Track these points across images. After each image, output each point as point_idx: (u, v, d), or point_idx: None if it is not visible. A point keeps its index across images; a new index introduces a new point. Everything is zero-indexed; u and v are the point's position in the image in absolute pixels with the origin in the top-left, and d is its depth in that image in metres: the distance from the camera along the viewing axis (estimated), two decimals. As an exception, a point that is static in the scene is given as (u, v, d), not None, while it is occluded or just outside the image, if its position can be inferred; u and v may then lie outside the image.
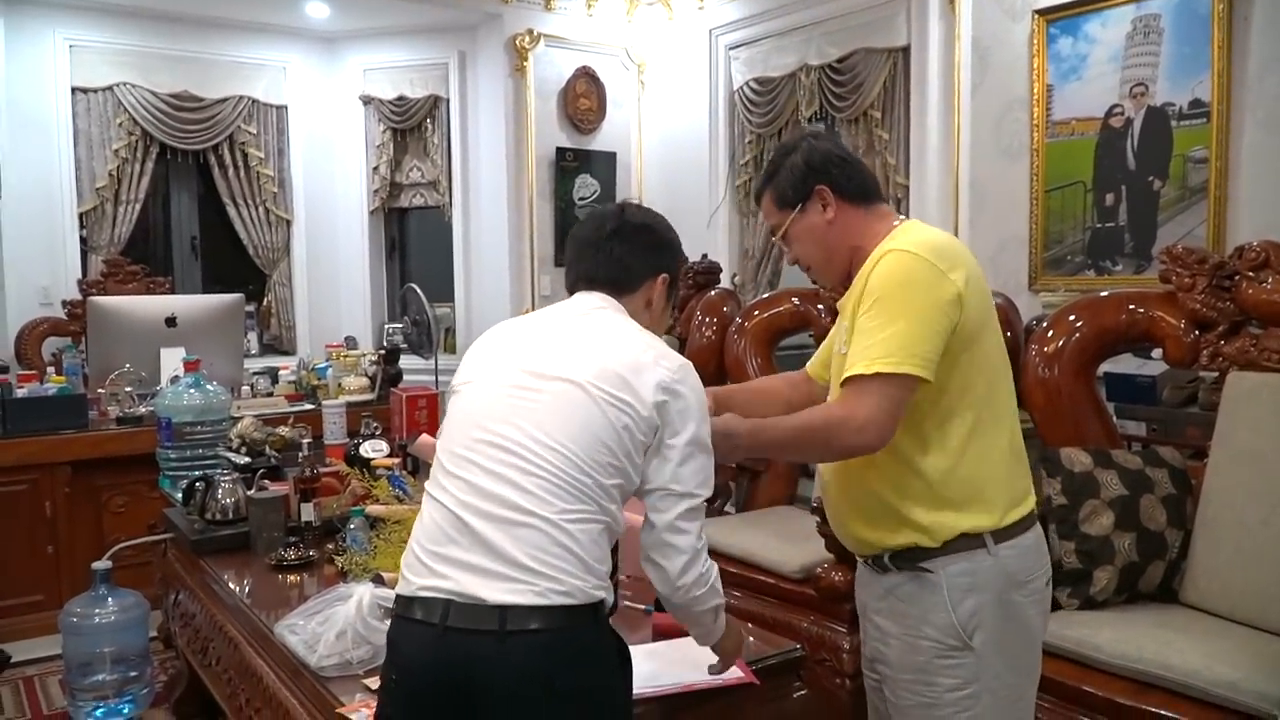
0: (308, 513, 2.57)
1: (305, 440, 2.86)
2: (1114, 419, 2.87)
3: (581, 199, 6.01)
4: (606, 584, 1.41)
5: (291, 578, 2.39)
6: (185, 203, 6.05)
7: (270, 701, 1.98)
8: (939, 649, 1.58)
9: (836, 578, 2.54)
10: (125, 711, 2.86)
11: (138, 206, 5.61)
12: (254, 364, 5.02)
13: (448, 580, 1.36)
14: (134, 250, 5.64)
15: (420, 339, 5.00)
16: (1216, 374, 2.48)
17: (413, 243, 6.50)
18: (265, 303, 6.20)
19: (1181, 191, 3.85)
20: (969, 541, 1.57)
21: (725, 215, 5.88)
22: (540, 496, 1.36)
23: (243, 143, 5.91)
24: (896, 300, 1.52)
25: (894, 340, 1.50)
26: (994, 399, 1.61)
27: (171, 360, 3.91)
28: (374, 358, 4.52)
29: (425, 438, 2.45)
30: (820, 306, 3.36)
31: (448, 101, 6.04)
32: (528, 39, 5.79)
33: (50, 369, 4.51)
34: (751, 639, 2.05)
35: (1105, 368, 2.95)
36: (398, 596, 1.44)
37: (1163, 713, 1.97)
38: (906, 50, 4.83)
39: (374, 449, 2.85)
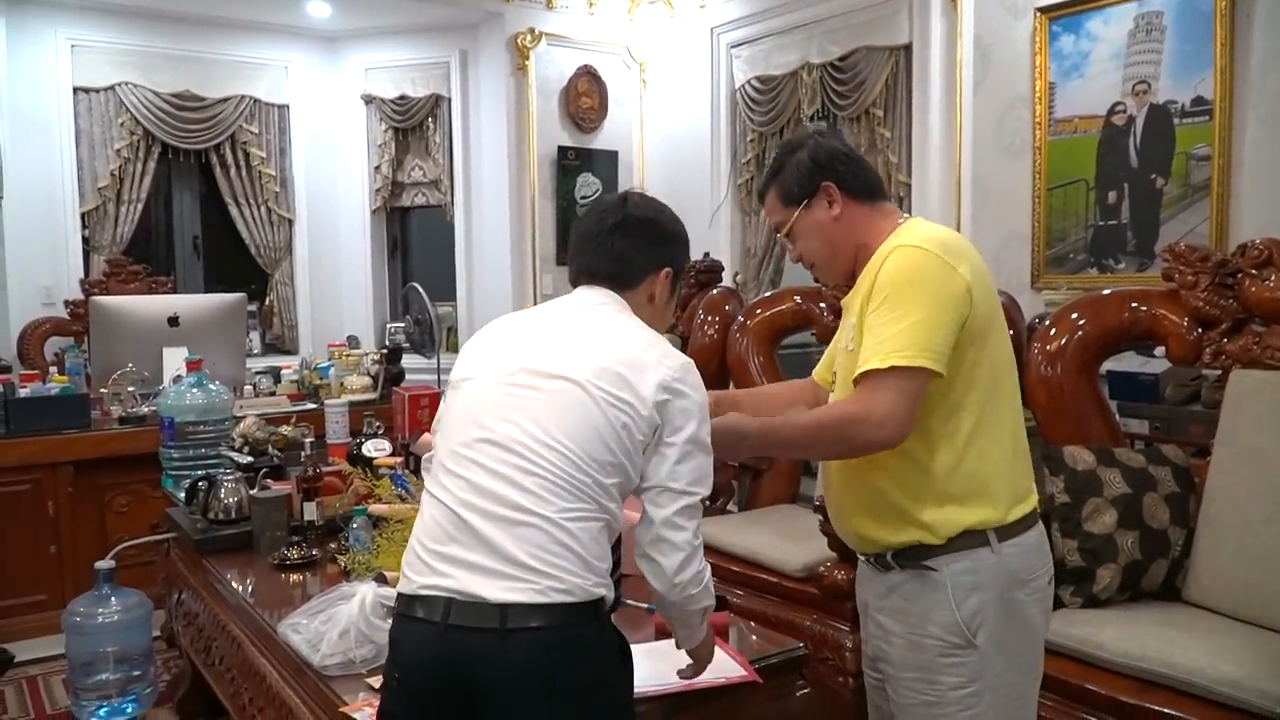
0: (310, 512, 2.57)
1: (308, 439, 2.86)
2: (1117, 417, 2.86)
3: (583, 198, 6.01)
4: (607, 581, 1.41)
5: (294, 577, 2.40)
6: (187, 202, 6.06)
7: (273, 701, 1.98)
8: (942, 647, 1.58)
9: (839, 576, 2.54)
10: (128, 711, 2.86)
11: (140, 206, 5.62)
12: (256, 363, 5.03)
13: (449, 579, 1.36)
14: (136, 250, 5.65)
15: (422, 338, 5.00)
16: (1219, 372, 2.47)
17: (414, 242, 6.50)
18: (267, 302, 6.20)
19: (1184, 189, 3.85)
20: (972, 539, 1.57)
21: (727, 214, 5.88)
22: (540, 496, 1.36)
23: (244, 142, 5.92)
24: (908, 295, 1.52)
25: (908, 334, 1.49)
26: (999, 395, 1.60)
27: (174, 360, 3.92)
28: (376, 357, 4.52)
29: (427, 437, 2.44)
30: (823, 305, 3.35)
31: (449, 100, 6.05)
32: (529, 38, 5.79)
33: (53, 369, 4.52)
34: (754, 638, 2.06)
35: (1108, 366, 2.95)
36: (399, 595, 1.44)
37: (1166, 711, 1.97)
38: (908, 48, 4.83)
39: (376, 448, 2.85)
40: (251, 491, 2.64)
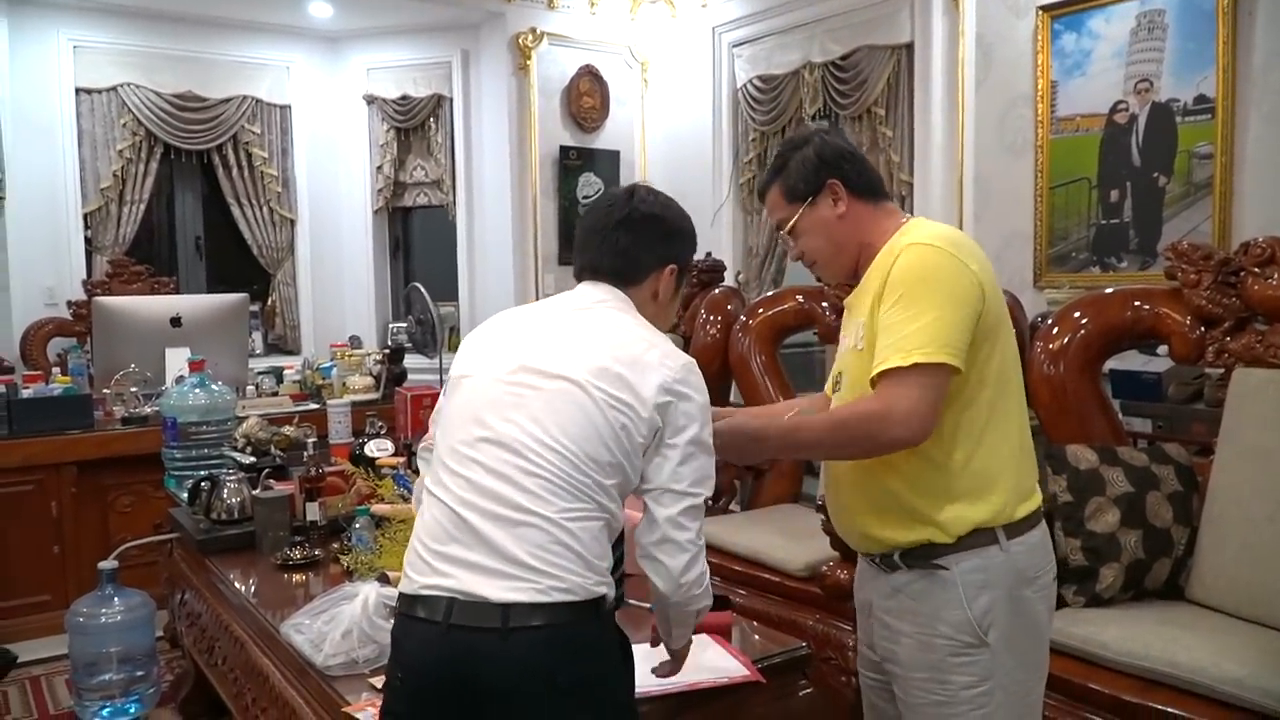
0: (313, 512, 2.57)
1: (310, 440, 2.87)
2: (1119, 416, 2.86)
3: (585, 197, 6.01)
4: (607, 580, 1.41)
5: (297, 577, 2.40)
6: (189, 203, 6.06)
7: (276, 701, 1.98)
8: (954, 646, 1.57)
9: (842, 575, 2.53)
10: (131, 711, 2.86)
11: (142, 207, 5.62)
12: (259, 364, 5.03)
13: (450, 579, 1.36)
14: (138, 250, 5.65)
15: (424, 338, 4.99)
16: (1222, 370, 2.47)
17: (417, 242, 6.50)
18: (270, 302, 6.20)
19: (1186, 187, 3.84)
20: (982, 538, 1.56)
21: (729, 213, 5.88)
22: (541, 496, 1.36)
23: (246, 143, 5.92)
24: (923, 292, 1.51)
25: (927, 331, 1.48)
26: (1007, 391, 1.60)
27: (176, 360, 3.93)
28: (378, 357, 4.53)
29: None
30: (825, 304, 3.35)
31: (451, 100, 6.04)
32: (531, 37, 5.79)
33: (55, 369, 4.52)
34: (757, 637, 2.06)
35: (1110, 364, 2.94)
36: (401, 595, 1.44)
37: (1169, 710, 1.97)
38: (910, 47, 4.82)
39: (379, 448, 2.86)
40: (254, 492, 2.64)
